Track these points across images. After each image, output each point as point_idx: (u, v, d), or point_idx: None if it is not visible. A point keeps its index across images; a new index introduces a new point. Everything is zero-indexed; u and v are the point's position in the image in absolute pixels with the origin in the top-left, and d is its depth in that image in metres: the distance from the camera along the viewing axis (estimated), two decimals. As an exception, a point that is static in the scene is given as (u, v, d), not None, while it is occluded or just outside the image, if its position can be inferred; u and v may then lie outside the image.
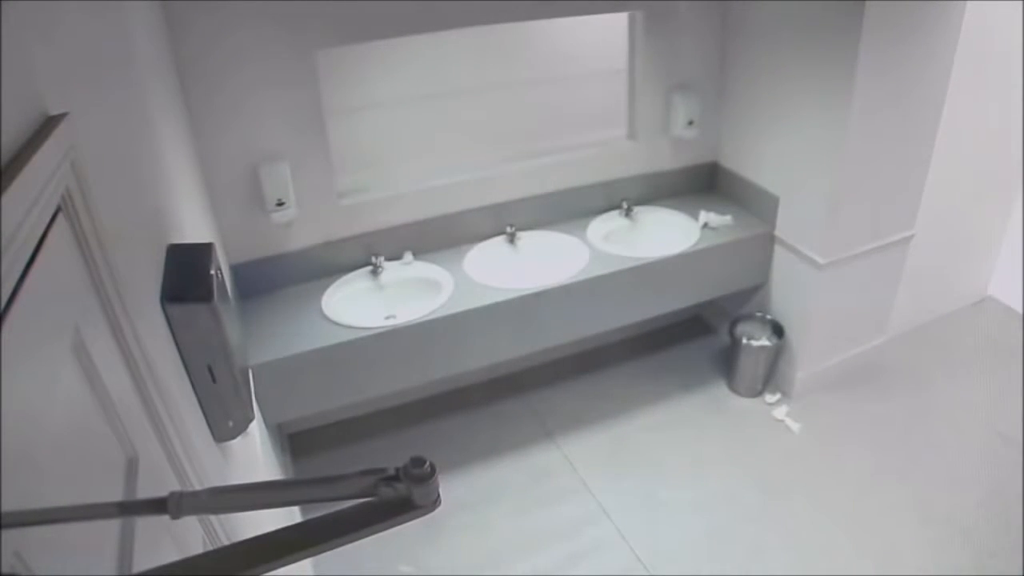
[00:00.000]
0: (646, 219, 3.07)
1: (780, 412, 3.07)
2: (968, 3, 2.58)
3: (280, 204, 2.43)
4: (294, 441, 3.02)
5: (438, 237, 2.80)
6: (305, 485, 0.63)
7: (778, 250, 3.01)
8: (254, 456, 1.84)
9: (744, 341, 3.04)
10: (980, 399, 3.09)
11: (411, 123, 2.92)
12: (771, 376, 3.16)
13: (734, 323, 3.13)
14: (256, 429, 1.91)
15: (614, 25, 2.96)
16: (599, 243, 2.84)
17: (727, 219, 2.97)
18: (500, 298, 2.50)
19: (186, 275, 1.19)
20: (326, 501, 0.61)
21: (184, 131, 2.02)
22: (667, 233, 2.95)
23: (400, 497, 0.58)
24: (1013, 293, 3.62)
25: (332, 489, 0.59)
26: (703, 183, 3.26)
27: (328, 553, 0.59)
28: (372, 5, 2.34)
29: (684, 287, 2.92)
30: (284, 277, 2.60)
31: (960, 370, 3.28)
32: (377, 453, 2.93)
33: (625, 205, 3.04)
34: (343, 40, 2.38)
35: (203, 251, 1.27)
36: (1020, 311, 3.60)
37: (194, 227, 1.73)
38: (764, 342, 3.05)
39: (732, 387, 3.20)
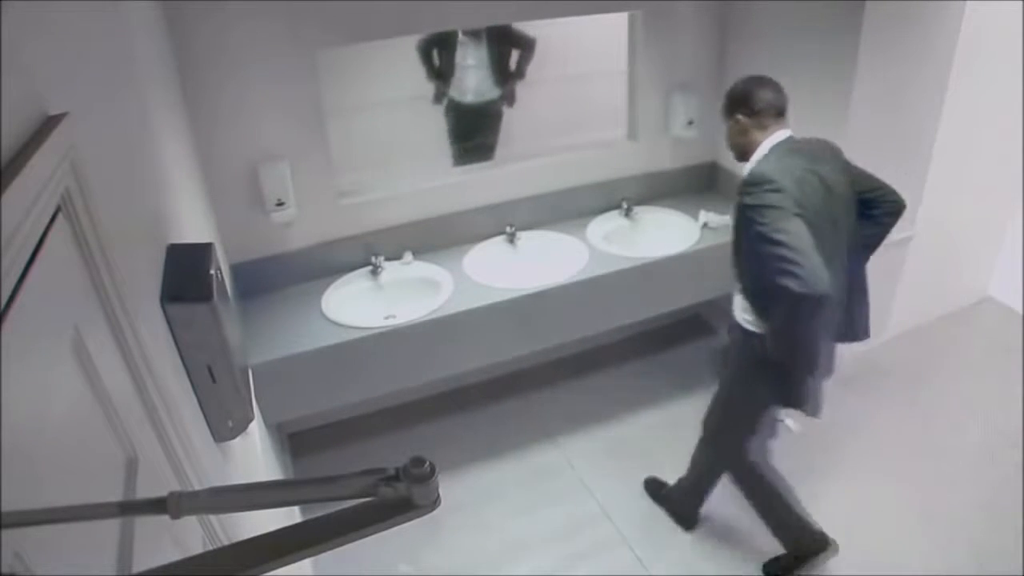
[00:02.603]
0: (646, 219, 3.07)
1: (780, 412, 3.06)
2: (968, 3, 2.58)
3: (280, 204, 2.44)
4: (294, 441, 3.02)
5: (438, 237, 2.80)
6: (305, 485, 0.63)
7: (778, 250, 3.00)
8: (254, 456, 1.84)
9: (744, 341, 3.03)
10: (980, 399, 3.09)
11: (411, 123, 2.93)
12: (771, 376, 3.16)
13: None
14: (256, 429, 1.90)
15: (614, 25, 2.96)
16: (599, 243, 2.84)
17: (727, 219, 2.96)
18: (500, 298, 2.50)
19: (186, 275, 1.19)
20: (326, 501, 0.61)
21: (184, 131, 2.02)
22: (667, 233, 2.95)
23: (400, 497, 0.58)
24: (1013, 293, 3.62)
25: (332, 489, 0.59)
26: (703, 183, 3.26)
27: (328, 553, 0.59)
28: (372, 5, 2.34)
29: (684, 287, 2.92)
30: (284, 277, 2.60)
31: (960, 370, 3.28)
32: (377, 453, 2.93)
33: (625, 205, 3.04)
34: (343, 40, 2.38)
35: (203, 251, 1.27)
36: (1020, 311, 3.60)
37: (194, 227, 1.73)
38: (764, 342, 3.04)
39: (732, 387, 3.20)
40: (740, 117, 1.92)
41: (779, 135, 1.90)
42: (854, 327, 2.07)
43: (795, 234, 1.68)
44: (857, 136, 2.56)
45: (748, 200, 1.77)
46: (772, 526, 2.34)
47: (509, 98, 3.31)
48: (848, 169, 1.95)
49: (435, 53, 3.20)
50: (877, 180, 1.99)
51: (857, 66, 2.41)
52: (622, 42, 2.97)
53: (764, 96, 1.90)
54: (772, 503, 2.30)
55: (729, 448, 2.29)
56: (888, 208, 1.99)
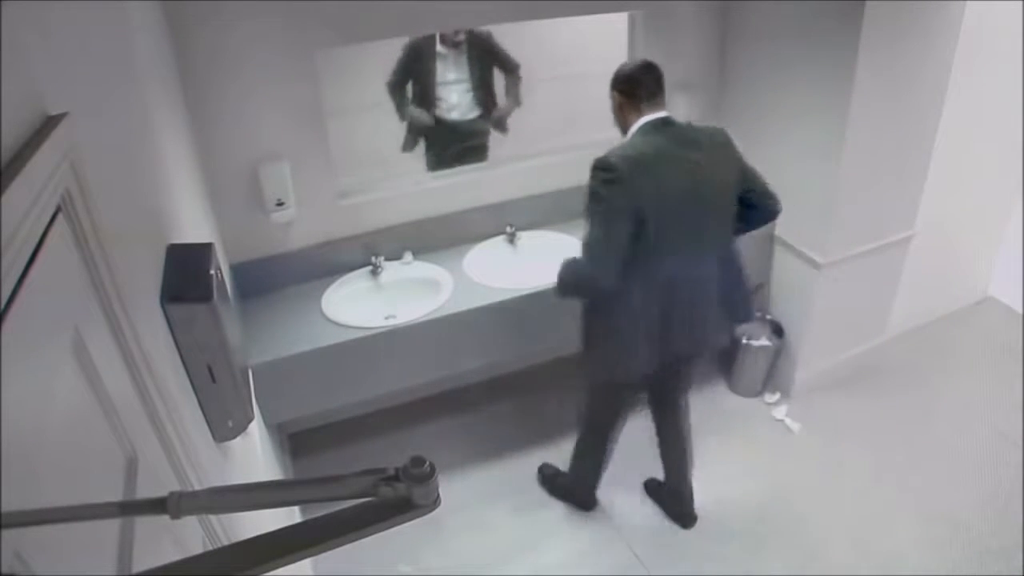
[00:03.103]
0: (646, 219, 3.06)
1: (780, 412, 3.07)
2: (968, 3, 2.58)
3: (280, 204, 2.44)
4: (294, 441, 3.02)
5: (438, 237, 2.80)
6: (305, 485, 0.63)
7: (778, 250, 3.01)
8: (254, 456, 1.84)
9: (744, 341, 3.03)
10: (980, 399, 3.09)
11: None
12: (771, 376, 3.16)
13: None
14: (256, 429, 1.91)
15: (614, 25, 2.96)
16: (599, 243, 2.84)
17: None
18: (500, 298, 2.50)
19: (186, 275, 1.19)
20: (326, 501, 0.61)
21: (184, 130, 2.01)
22: (667, 233, 2.95)
23: (400, 497, 0.57)
24: (1013, 293, 3.62)
25: (332, 489, 0.59)
26: (703, 183, 3.25)
27: (328, 553, 0.59)
28: (372, 5, 2.33)
29: (684, 287, 2.91)
30: (284, 277, 2.59)
31: (960, 370, 3.28)
32: (377, 453, 2.93)
33: (625, 205, 3.04)
34: (343, 40, 2.38)
35: (203, 251, 1.27)
36: (1020, 311, 3.60)
37: (194, 227, 1.73)
38: (764, 342, 3.05)
39: (732, 387, 3.20)
40: (616, 93, 2.04)
41: (651, 116, 1.99)
42: (735, 308, 2.17)
43: (610, 230, 1.87)
44: (857, 136, 2.56)
45: (591, 182, 1.91)
46: (575, 455, 2.60)
47: (500, 125, 3.27)
48: (736, 161, 2.04)
49: (410, 86, 3.09)
50: (760, 181, 2.08)
51: (857, 66, 2.41)
52: (622, 42, 2.97)
53: (640, 79, 1.99)
54: (592, 453, 2.56)
55: (594, 401, 2.48)
56: (763, 213, 2.11)
